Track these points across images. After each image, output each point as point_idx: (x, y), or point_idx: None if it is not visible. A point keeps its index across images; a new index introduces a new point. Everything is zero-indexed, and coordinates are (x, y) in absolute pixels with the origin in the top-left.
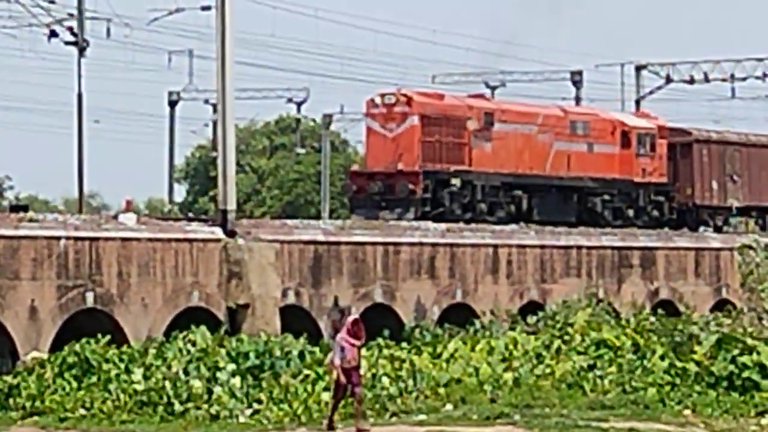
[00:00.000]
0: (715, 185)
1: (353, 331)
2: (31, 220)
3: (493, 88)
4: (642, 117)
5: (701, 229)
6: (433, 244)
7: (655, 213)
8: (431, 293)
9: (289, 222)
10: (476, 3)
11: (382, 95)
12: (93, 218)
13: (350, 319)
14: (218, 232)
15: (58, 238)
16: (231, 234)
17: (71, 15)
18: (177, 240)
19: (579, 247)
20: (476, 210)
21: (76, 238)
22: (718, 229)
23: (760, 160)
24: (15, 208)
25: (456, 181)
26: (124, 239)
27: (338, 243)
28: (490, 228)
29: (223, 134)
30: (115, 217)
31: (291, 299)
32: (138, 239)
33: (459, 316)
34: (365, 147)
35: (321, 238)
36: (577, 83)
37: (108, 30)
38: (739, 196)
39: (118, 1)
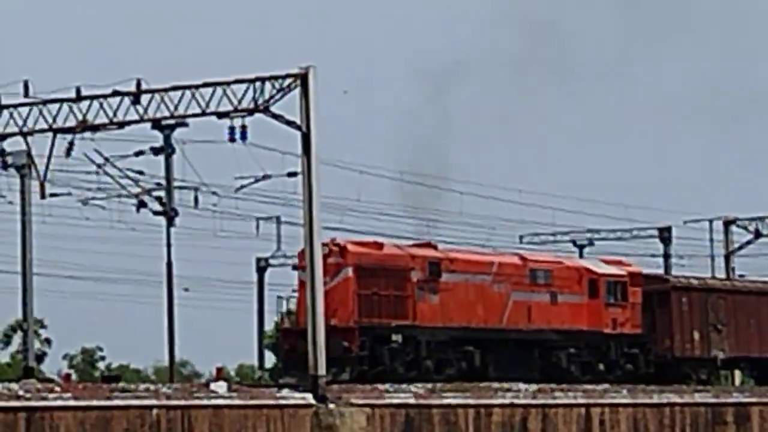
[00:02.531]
0: (696, 335)
1: None
2: (123, 390)
3: (581, 247)
4: (612, 264)
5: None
6: (525, 406)
7: (630, 367)
8: None
9: (380, 386)
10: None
11: None
12: (184, 387)
13: None
14: (309, 398)
15: (150, 408)
16: (322, 399)
17: (159, 185)
18: (268, 407)
19: (672, 405)
20: (422, 368)
21: (168, 407)
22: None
23: (747, 307)
24: (107, 379)
25: (397, 338)
26: (215, 407)
27: (429, 406)
28: (582, 388)
29: (312, 299)
30: (207, 385)
31: None
32: (229, 407)
33: None
34: (297, 302)
35: (412, 401)
36: (665, 240)
37: (196, 198)
38: (724, 346)
39: (205, 170)
